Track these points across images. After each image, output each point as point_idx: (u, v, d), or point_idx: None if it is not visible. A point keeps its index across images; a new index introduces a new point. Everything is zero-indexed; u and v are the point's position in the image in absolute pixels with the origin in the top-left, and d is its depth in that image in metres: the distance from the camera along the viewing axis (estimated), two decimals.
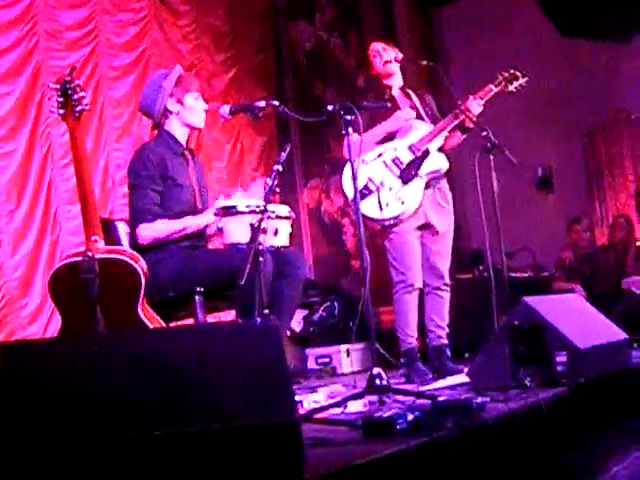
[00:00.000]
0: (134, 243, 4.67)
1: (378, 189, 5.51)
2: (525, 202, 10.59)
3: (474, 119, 5.50)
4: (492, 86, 5.63)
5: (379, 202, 5.49)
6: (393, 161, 5.58)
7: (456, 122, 5.56)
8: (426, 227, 5.69)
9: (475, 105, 5.52)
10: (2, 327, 5.79)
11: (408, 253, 5.61)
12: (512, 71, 5.70)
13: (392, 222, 5.55)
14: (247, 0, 8.61)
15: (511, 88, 5.69)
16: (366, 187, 5.52)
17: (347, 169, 5.35)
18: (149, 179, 4.64)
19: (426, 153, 5.57)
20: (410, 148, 5.60)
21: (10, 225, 5.94)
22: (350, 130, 4.48)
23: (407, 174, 5.55)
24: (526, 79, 5.70)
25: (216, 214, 4.55)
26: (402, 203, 5.51)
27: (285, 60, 9.29)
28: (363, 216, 5.32)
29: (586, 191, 11.22)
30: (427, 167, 5.58)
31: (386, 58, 5.75)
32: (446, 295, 5.74)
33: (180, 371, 2.66)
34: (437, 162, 5.63)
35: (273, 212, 4.37)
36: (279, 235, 4.42)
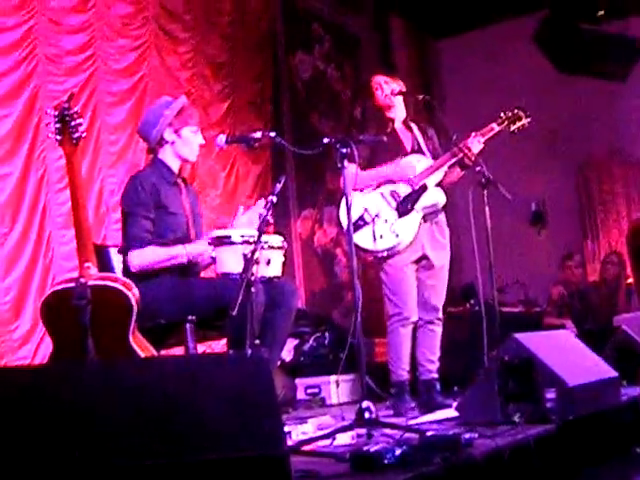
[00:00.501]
0: (126, 270, 4.67)
1: (373, 220, 5.53)
2: (518, 237, 10.63)
3: (473, 157, 5.51)
4: (494, 125, 5.66)
5: (373, 233, 5.51)
6: (391, 193, 5.61)
7: (455, 159, 5.58)
8: (422, 261, 5.70)
9: (475, 143, 5.54)
10: None
11: (404, 286, 5.61)
12: (515, 111, 5.73)
13: (385, 254, 5.57)
14: (246, 30, 8.63)
15: (513, 128, 5.72)
16: (361, 218, 5.53)
17: (344, 200, 5.36)
18: (142, 207, 4.64)
19: (424, 188, 5.59)
20: (408, 181, 5.62)
21: (3, 248, 5.92)
22: (346, 163, 4.49)
23: (403, 207, 5.57)
24: (529, 120, 5.73)
25: (210, 243, 4.56)
26: (396, 236, 5.52)
27: (282, 90, 9.32)
28: (356, 247, 5.33)
29: (579, 227, 11.27)
30: (424, 201, 5.60)
31: (387, 91, 5.77)
32: (438, 329, 5.75)
33: (169, 401, 2.66)
34: (434, 197, 5.65)
35: (266, 242, 4.37)
36: (271, 265, 4.42)
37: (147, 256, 4.60)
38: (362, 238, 5.51)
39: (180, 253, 4.63)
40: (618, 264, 9.04)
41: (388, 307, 5.71)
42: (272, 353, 4.54)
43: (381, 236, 5.52)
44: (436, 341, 5.74)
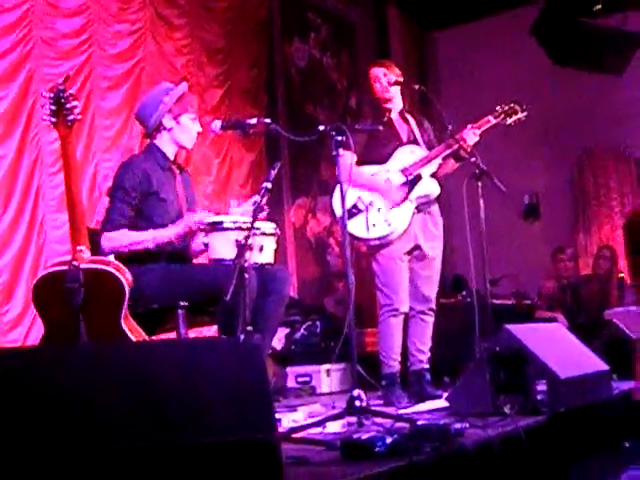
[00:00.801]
0: (98, 252, 4.63)
1: (367, 209, 5.53)
2: (511, 229, 10.65)
3: (468, 149, 5.52)
4: (491, 117, 5.68)
5: (366, 222, 5.51)
6: (384, 182, 5.60)
7: (450, 150, 5.59)
8: (415, 251, 5.70)
9: (471, 135, 5.55)
10: None
11: (396, 277, 5.62)
12: (512, 105, 5.75)
13: (377, 243, 5.57)
14: (242, 16, 8.61)
15: (509, 121, 5.74)
16: (355, 206, 5.54)
17: (337, 188, 5.34)
18: (123, 191, 4.63)
19: (418, 178, 5.59)
20: (403, 171, 5.62)
21: None
22: (341, 151, 4.48)
23: (396, 197, 5.57)
24: (525, 114, 5.74)
25: (202, 229, 4.55)
26: (389, 225, 5.53)
27: (278, 77, 9.30)
28: (349, 235, 5.34)
29: (572, 220, 11.28)
30: (418, 191, 5.60)
31: (385, 83, 5.77)
32: (430, 320, 5.76)
33: (161, 385, 2.66)
34: (428, 187, 5.65)
35: (259, 229, 4.37)
36: (264, 252, 4.42)
37: (117, 238, 4.56)
38: (355, 226, 5.51)
39: (147, 237, 4.60)
40: (610, 258, 9.05)
41: (379, 297, 5.71)
42: (264, 340, 4.54)
43: (374, 225, 5.52)
44: (427, 331, 5.75)
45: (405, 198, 5.57)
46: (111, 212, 4.65)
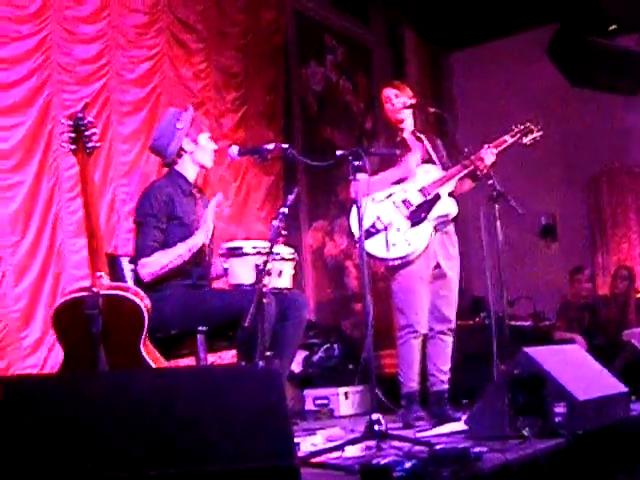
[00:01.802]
0: (138, 280, 4.70)
1: (386, 228, 5.52)
2: (528, 250, 10.63)
3: (485, 170, 5.53)
4: (507, 137, 5.71)
5: (386, 242, 5.50)
6: (403, 202, 5.61)
7: (467, 170, 5.60)
8: (435, 270, 5.70)
9: (489, 155, 5.57)
10: (1, 358, 5.75)
11: (417, 297, 5.61)
12: (527, 124, 5.77)
13: (397, 263, 5.56)
14: (259, 40, 8.65)
15: (525, 141, 5.76)
16: (373, 226, 5.53)
17: (355, 209, 5.34)
18: (154, 217, 4.69)
19: (437, 197, 5.60)
20: (421, 191, 5.63)
21: (14, 256, 5.92)
22: (358, 176, 4.51)
23: (416, 216, 5.57)
24: (541, 133, 5.76)
25: (222, 254, 4.59)
26: (409, 244, 5.52)
27: (295, 101, 9.33)
28: (368, 255, 5.36)
29: (589, 241, 11.26)
30: (437, 211, 5.61)
31: (398, 105, 5.79)
32: (449, 339, 5.75)
33: (180, 412, 2.67)
34: (447, 207, 5.67)
35: (278, 254, 4.38)
36: (282, 277, 4.44)
37: (154, 262, 4.64)
38: (374, 246, 5.51)
39: (181, 250, 4.65)
40: (628, 278, 9.01)
41: (399, 319, 5.69)
42: (282, 365, 4.55)
43: (394, 244, 5.51)
44: (447, 351, 5.74)
45: (425, 217, 5.58)
46: (144, 239, 4.70)
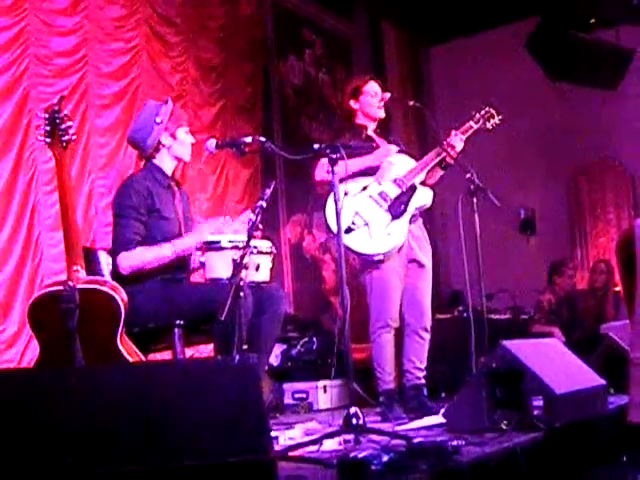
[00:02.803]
0: (115, 273, 4.68)
1: (367, 224, 5.49)
2: (507, 244, 10.65)
3: (455, 155, 5.54)
4: (472, 123, 5.71)
5: (370, 237, 5.47)
6: (380, 195, 5.57)
7: (439, 158, 5.59)
8: (412, 263, 5.69)
9: (457, 140, 5.56)
10: None
11: (391, 292, 5.58)
12: (487, 109, 5.78)
13: (381, 257, 5.52)
14: (237, 34, 8.63)
15: (488, 125, 5.77)
16: (353, 222, 5.49)
17: (330, 203, 5.30)
18: (133, 209, 4.67)
19: (413, 188, 5.58)
20: (396, 182, 5.59)
21: None
22: (336, 169, 4.49)
23: (396, 209, 5.53)
24: (500, 117, 5.78)
25: (198, 248, 4.57)
26: (392, 238, 5.50)
27: (273, 94, 9.32)
28: (351, 250, 5.35)
29: (568, 235, 11.29)
30: (416, 202, 5.59)
31: (379, 100, 5.76)
32: (428, 337, 5.72)
33: (157, 406, 2.66)
34: (425, 197, 5.65)
35: (255, 247, 4.37)
36: (260, 270, 4.42)
37: (136, 257, 4.63)
38: (356, 241, 5.46)
39: (167, 251, 4.64)
40: (606, 272, 9.05)
41: (372, 314, 5.65)
42: (259, 359, 4.54)
43: (377, 239, 5.48)
44: (425, 350, 5.71)
45: (404, 210, 5.55)
46: (124, 231, 4.68)
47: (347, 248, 5.40)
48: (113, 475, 2.59)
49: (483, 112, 5.77)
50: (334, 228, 5.32)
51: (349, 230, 5.43)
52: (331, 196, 5.07)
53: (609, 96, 10.25)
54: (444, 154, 5.56)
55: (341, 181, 4.72)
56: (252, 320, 4.41)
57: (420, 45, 12.28)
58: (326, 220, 5.49)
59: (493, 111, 5.79)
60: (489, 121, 5.77)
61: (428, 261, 5.75)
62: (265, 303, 4.63)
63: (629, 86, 10.07)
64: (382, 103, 5.78)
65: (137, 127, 4.93)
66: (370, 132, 5.83)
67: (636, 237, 4.09)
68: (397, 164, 5.67)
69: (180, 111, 5.14)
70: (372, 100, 5.80)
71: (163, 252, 4.65)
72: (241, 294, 4.08)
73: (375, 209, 5.54)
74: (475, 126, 5.72)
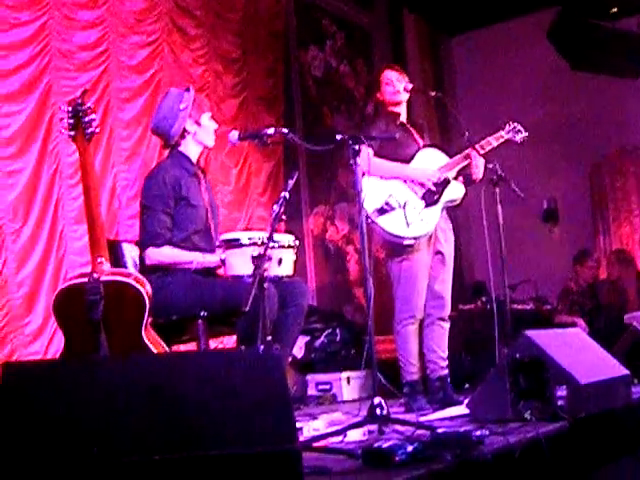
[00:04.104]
0: (141, 264, 4.72)
1: (403, 207, 5.50)
2: (529, 234, 10.62)
3: (475, 175, 5.63)
4: (502, 132, 5.76)
5: (405, 219, 5.48)
6: (413, 182, 5.59)
7: (467, 162, 5.62)
8: (437, 256, 5.71)
9: (481, 166, 5.62)
10: (4, 345, 5.77)
11: (417, 284, 5.59)
12: (516, 124, 5.82)
13: (412, 242, 5.52)
14: (258, 25, 8.64)
15: (517, 139, 5.82)
16: (387, 203, 5.50)
17: (367, 185, 5.23)
18: (161, 201, 4.70)
19: (447, 181, 5.60)
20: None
21: (15, 243, 5.93)
22: (358, 160, 4.49)
23: (430, 197, 5.56)
24: (527, 134, 5.81)
25: (219, 246, 4.59)
26: (426, 224, 5.52)
27: (295, 86, 9.32)
28: (384, 231, 5.36)
29: (591, 224, 11.25)
30: (448, 195, 5.62)
31: (398, 88, 5.78)
32: (447, 326, 5.75)
33: (182, 397, 2.67)
34: (457, 191, 5.68)
35: (277, 242, 4.36)
36: (283, 265, 4.41)
37: (163, 256, 4.69)
38: (391, 223, 5.47)
39: (195, 260, 4.69)
40: (618, 263, 9.02)
41: (398, 304, 5.67)
42: (283, 351, 4.56)
43: (411, 223, 5.49)
44: (446, 338, 5.75)
45: (437, 200, 5.58)
46: (153, 224, 4.73)
47: (380, 228, 5.43)
48: (139, 465, 2.61)
49: (512, 126, 5.80)
50: (369, 209, 5.32)
51: (383, 211, 5.46)
52: (364, 179, 5.04)
53: (631, 84, 10.21)
54: (470, 161, 5.61)
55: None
56: (276, 314, 4.44)
57: (441, 35, 12.25)
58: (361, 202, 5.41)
59: (520, 127, 5.81)
60: (517, 135, 5.80)
61: (451, 253, 5.78)
62: (288, 297, 4.64)
63: None
64: (401, 87, 5.78)
65: (162, 115, 4.95)
66: (403, 119, 5.85)
67: None
68: (429, 157, 5.69)
69: (200, 97, 5.18)
70: (387, 88, 5.85)
71: (190, 258, 4.70)
72: (265, 285, 4.08)
73: (410, 194, 5.55)
74: (505, 136, 5.75)
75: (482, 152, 5.53)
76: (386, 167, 5.55)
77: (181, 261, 4.70)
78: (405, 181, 5.58)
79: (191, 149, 4.97)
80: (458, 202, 5.75)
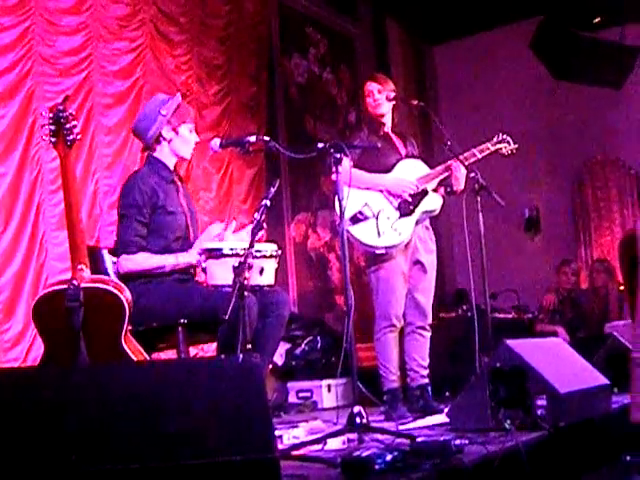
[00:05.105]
0: (118, 271, 4.71)
1: (376, 216, 5.52)
2: (511, 243, 10.65)
3: (456, 187, 5.65)
4: (489, 144, 5.77)
5: (377, 229, 5.50)
6: (390, 193, 5.60)
7: (447, 174, 5.63)
8: (416, 265, 5.72)
9: (462, 177, 5.63)
10: None
11: (396, 292, 5.62)
12: (504, 135, 5.84)
13: (384, 252, 5.54)
14: (242, 33, 8.63)
15: (504, 151, 5.84)
16: (361, 212, 5.52)
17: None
18: (136, 209, 4.68)
19: (425, 192, 5.62)
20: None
21: None
22: (340, 169, 4.49)
23: (405, 208, 5.58)
24: (516, 145, 5.83)
25: (200, 254, 4.58)
26: (399, 234, 5.53)
27: (278, 93, 9.32)
28: (356, 240, 5.38)
29: (572, 234, 11.28)
30: (425, 206, 5.64)
31: (379, 99, 5.78)
32: (428, 335, 5.77)
33: (161, 405, 2.67)
34: (434, 203, 5.70)
35: (259, 251, 4.36)
36: (264, 274, 4.40)
37: (137, 262, 4.67)
38: (363, 232, 5.50)
39: (170, 263, 4.68)
40: (603, 271, 9.05)
41: (378, 312, 5.69)
42: (263, 360, 4.54)
43: (383, 232, 5.51)
44: (426, 347, 5.77)
45: (413, 210, 5.59)
46: (127, 232, 4.71)
47: (352, 237, 5.44)
48: (117, 473, 2.60)
49: (501, 137, 5.82)
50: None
51: (356, 220, 5.48)
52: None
53: (614, 95, 10.25)
54: (450, 173, 5.62)
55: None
56: (256, 323, 4.43)
57: (424, 44, 12.28)
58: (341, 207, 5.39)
59: (509, 138, 5.83)
60: (505, 147, 5.82)
61: (432, 262, 5.79)
62: (269, 307, 4.64)
63: (634, 85, 10.07)
64: (381, 99, 5.79)
65: (142, 116, 4.96)
66: (387, 130, 5.86)
67: (638, 237, 4.09)
68: (409, 168, 5.71)
69: (187, 108, 5.14)
70: (368, 100, 5.88)
71: (163, 262, 4.68)
72: (245, 293, 4.08)
73: (385, 204, 5.57)
74: (492, 148, 5.77)
75: (465, 163, 5.54)
76: (364, 179, 5.56)
77: (154, 266, 4.67)
78: (382, 191, 5.60)
79: (166, 157, 4.93)
80: (436, 213, 5.78)
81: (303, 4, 9.88)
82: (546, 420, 4.21)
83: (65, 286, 3.79)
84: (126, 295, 3.85)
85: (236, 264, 4.12)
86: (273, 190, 4.37)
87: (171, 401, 2.69)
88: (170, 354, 5.10)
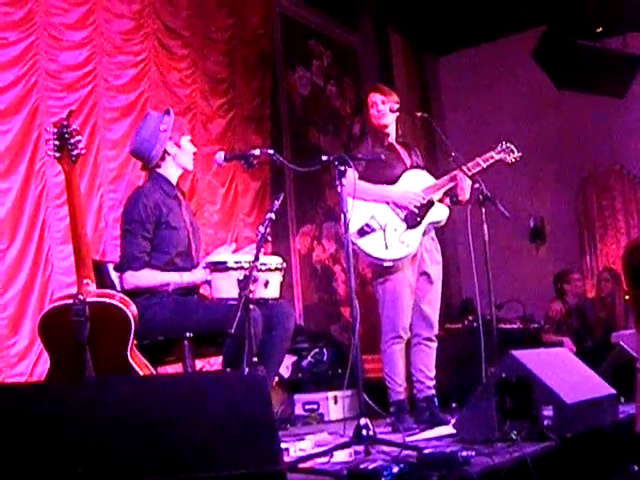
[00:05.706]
0: (122, 287, 4.72)
1: (383, 228, 5.52)
2: (516, 253, 10.64)
3: (462, 198, 5.65)
4: (493, 153, 5.76)
5: (385, 241, 5.50)
6: (396, 204, 5.60)
7: (452, 184, 5.64)
8: (423, 277, 5.72)
9: (467, 188, 5.63)
10: None
11: (403, 304, 5.61)
12: (508, 144, 5.83)
13: (391, 264, 5.54)
14: (245, 46, 8.65)
15: (509, 159, 5.82)
16: (368, 225, 5.52)
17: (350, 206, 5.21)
18: (141, 225, 4.70)
19: (431, 203, 5.62)
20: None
21: (2, 264, 5.91)
22: (344, 181, 4.50)
23: (412, 219, 5.58)
24: (520, 154, 5.82)
25: (205, 267, 4.59)
26: (406, 246, 5.53)
27: (282, 106, 9.34)
28: (363, 253, 5.38)
29: (577, 243, 11.27)
30: (431, 217, 5.64)
31: (382, 110, 5.79)
32: (434, 346, 5.76)
33: (168, 419, 2.67)
34: (440, 214, 5.70)
35: (264, 264, 4.37)
36: (269, 287, 4.41)
37: (142, 278, 4.70)
38: (371, 245, 5.50)
39: (175, 280, 4.71)
40: (611, 280, 9.02)
41: (384, 324, 5.68)
42: (268, 373, 4.55)
43: (391, 245, 5.51)
44: (433, 358, 5.76)
45: (420, 222, 5.59)
46: (131, 248, 4.74)
47: (359, 250, 5.45)
48: None
49: (504, 146, 5.81)
50: (350, 231, 5.31)
51: (363, 232, 5.48)
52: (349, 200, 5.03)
53: (617, 104, 10.25)
54: (455, 183, 5.62)
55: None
56: (261, 336, 4.44)
57: (428, 55, 12.29)
58: (346, 222, 5.38)
59: (512, 147, 5.82)
60: (509, 155, 5.81)
61: (438, 273, 5.78)
62: (274, 320, 4.65)
63: (637, 93, 10.07)
64: (385, 110, 5.79)
65: (142, 139, 4.96)
66: (392, 140, 5.87)
67: None
68: (414, 178, 5.71)
69: (181, 120, 5.19)
70: (372, 111, 5.88)
71: (168, 279, 4.71)
72: (250, 306, 4.08)
73: (391, 216, 5.57)
74: (496, 157, 5.76)
75: (469, 174, 5.53)
76: (370, 191, 5.56)
77: (159, 283, 4.70)
78: (388, 202, 5.60)
79: (171, 171, 4.98)
80: (442, 224, 5.78)
81: (306, 17, 9.91)
82: (553, 430, 4.19)
83: (71, 301, 3.80)
84: (132, 309, 3.86)
85: (241, 277, 4.13)
86: (277, 203, 4.38)
87: (177, 415, 2.69)
88: (176, 368, 5.10)
